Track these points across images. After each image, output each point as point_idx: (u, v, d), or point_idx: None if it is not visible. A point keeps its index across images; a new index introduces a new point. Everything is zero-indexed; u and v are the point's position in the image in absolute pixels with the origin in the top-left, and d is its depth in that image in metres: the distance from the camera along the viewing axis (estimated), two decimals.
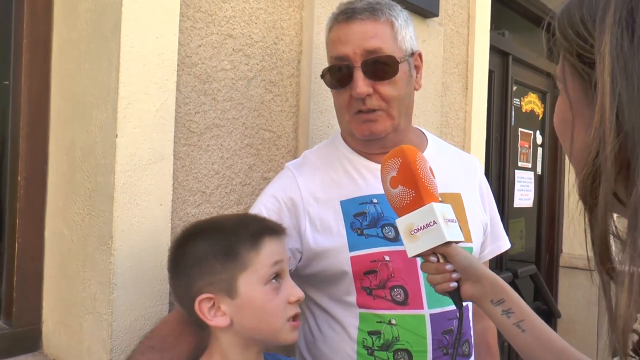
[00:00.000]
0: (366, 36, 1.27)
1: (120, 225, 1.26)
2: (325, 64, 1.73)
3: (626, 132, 0.54)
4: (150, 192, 1.31)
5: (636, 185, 0.54)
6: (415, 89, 1.38)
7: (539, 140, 3.98)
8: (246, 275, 1.10)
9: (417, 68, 1.37)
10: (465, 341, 1.32)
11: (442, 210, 1.02)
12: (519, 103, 3.71)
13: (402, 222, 1.05)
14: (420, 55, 1.37)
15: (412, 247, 1.03)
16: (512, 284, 3.53)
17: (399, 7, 1.36)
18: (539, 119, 4.00)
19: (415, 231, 1.02)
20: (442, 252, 1.03)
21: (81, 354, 1.35)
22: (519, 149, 3.71)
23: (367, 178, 1.34)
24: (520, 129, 3.70)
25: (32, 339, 1.47)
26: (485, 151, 2.75)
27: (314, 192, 1.33)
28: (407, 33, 1.33)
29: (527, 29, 3.96)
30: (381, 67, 1.27)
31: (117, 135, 1.24)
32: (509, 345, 3.46)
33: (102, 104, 1.29)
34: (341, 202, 1.31)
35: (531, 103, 3.86)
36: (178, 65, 1.37)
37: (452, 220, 1.04)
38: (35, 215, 1.47)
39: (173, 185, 1.37)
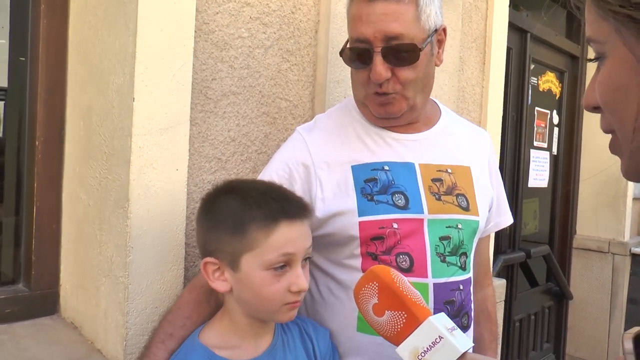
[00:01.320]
0: (388, 19, 1.21)
1: (136, 188, 1.26)
2: (343, 35, 1.72)
3: None
4: (166, 157, 1.32)
5: None
6: (436, 65, 1.34)
7: (556, 120, 3.93)
8: (250, 255, 1.09)
9: (440, 42, 1.33)
10: (465, 313, 1.32)
11: (442, 322, 0.95)
12: (536, 82, 3.66)
13: (404, 350, 0.95)
14: (444, 29, 1.33)
15: None
16: (525, 263, 3.53)
17: None
18: (556, 98, 3.95)
19: (423, 354, 0.92)
20: None
21: (97, 316, 1.37)
22: (535, 128, 3.67)
23: (380, 144, 1.33)
24: (537, 108, 3.66)
25: (50, 302, 1.50)
26: (502, 129, 2.72)
27: (324, 157, 1.32)
28: (433, 9, 1.27)
29: (547, 7, 3.89)
30: (401, 53, 1.23)
31: (134, 99, 1.25)
32: (520, 325, 3.46)
33: (119, 69, 1.30)
34: (352, 167, 1.30)
35: (549, 82, 3.81)
36: (195, 31, 1.37)
37: (454, 328, 0.96)
38: (52, 180, 1.49)
39: (189, 150, 1.38)
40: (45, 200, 1.48)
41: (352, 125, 1.37)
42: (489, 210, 1.44)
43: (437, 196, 1.30)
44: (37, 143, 1.45)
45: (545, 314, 3.90)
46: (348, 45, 1.30)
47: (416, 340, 0.93)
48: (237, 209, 1.10)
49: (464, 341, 0.94)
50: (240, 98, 1.53)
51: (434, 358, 0.92)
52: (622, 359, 0.65)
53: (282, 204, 1.12)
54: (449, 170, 1.34)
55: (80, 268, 1.45)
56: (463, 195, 1.33)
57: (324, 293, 1.33)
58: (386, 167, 1.30)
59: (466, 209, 1.32)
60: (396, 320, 0.96)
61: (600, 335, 4.14)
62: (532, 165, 3.62)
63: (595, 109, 0.65)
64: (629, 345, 0.63)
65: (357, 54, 1.26)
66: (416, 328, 0.94)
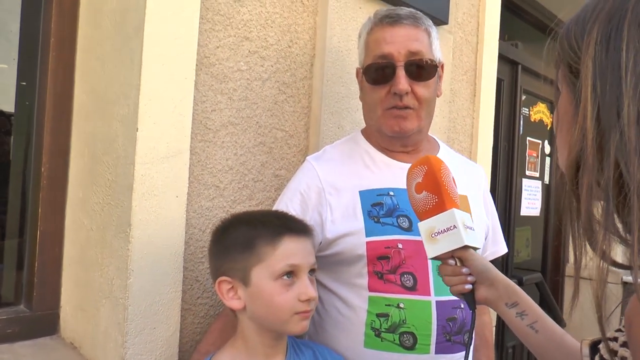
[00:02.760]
0: (410, 39, 1.39)
1: (138, 214, 1.32)
2: (337, 68, 1.80)
3: (602, 129, 0.62)
4: (167, 184, 1.38)
5: (608, 170, 0.61)
6: (438, 96, 1.49)
7: (547, 149, 4.01)
8: (259, 268, 1.18)
9: (440, 77, 1.49)
10: (466, 331, 1.38)
11: (462, 217, 1.08)
12: (527, 112, 3.76)
13: (424, 226, 1.10)
14: (442, 66, 1.49)
15: (432, 248, 1.08)
16: None
17: (430, 20, 1.48)
18: (548, 128, 4.03)
19: (436, 234, 1.07)
20: (460, 256, 1.07)
21: (97, 336, 1.42)
22: (527, 158, 3.75)
23: (385, 172, 1.44)
24: (528, 138, 3.75)
25: (50, 323, 1.54)
26: (493, 158, 2.79)
27: (333, 183, 1.42)
28: (437, 44, 1.46)
29: (538, 39, 4.00)
30: (421, 68, 1.39)
31: (137, 129, 1.31)
32: (513, 352, 3.49)
33: (123, 100, 1.37)
34: (360, 192, 1.40)
35: (540, 113, 3.90)
36: (196, 65, 1.44)
37: (470, 228, 1.09)
38: (56, 205, 1.55)
39: (189, 178, 1.44)
40: (48, 224, 1.53)
41: (359, 154, 1.48)
42: (485, 239, 1.51)
43: None
44: (42, 169, 1.52)
45: None
46: (368, 64, 1.43)
47: (436, 222, 1.08)
48: (245, 231, 1.22)
49: (474, 239, 1.09)
50: (239, 128, 1.60)
51: (442, 240, 1.07)
52: None
53: (285, 222, 1.25)
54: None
55: (80, 290, 1.50)
56: None
57: (331, 312, 1.40)
58: (391, 193, 1.40)
59: None
60: (428, 200, 1.10)
61: None
62: (524, 194, 3.69)
63: None
64: (586, 350, 0.71)
65: (380, 70, 1.39)
66: (440, 213, 1.08)
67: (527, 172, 3.75)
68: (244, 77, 1.60)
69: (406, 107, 1.38)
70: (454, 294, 1.11)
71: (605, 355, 0.70)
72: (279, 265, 1.17)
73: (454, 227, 1.06)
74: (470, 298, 1.09)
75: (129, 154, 1.33)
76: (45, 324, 1.54)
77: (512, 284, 1.08)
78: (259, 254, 1.18)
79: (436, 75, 1.44)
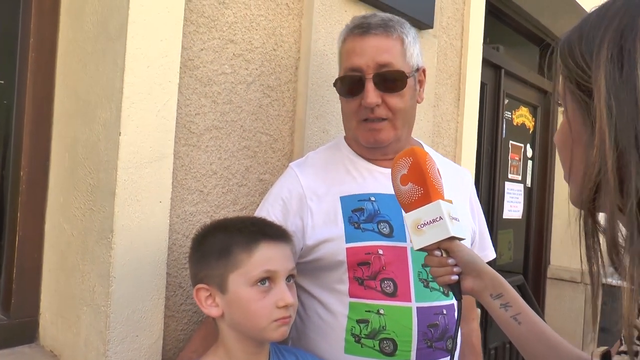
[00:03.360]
0: (379, 50, 1.36)
1: (120, 220, 1.30)
2: (322, 72, 1.79)
3: (621, 152, 0.62)
4: (150, 190, 1.35)
5: (630, 197, 0.61)
6: (418, 102, 1.47)
7: (529, 153, 4.05)
8: (236, 274, 1.17)
9: (421, 83, 1.47)
10: (449, 337, 1.37)
11: (447, 208, 1.08)
12: (510, 116, 3.78)
13: (409, 217, 1.10)
14: (424, 70, 1.47)
15: (418, 240, 1.09)
16: None
17: (408, 24, 1.45)
18: (530, 132, 4.07)
19: (422, 226, 1.08)
20: (446, 247, 1.08)
21: (78, 344, 1.39)
22: (510, 161, 3.77)
23: (367, 178, 1.43)
24: (511, 142, 3.77)
25: (29, 331, 1.51)
26: (476, 162, 2.80)
27: (315, 189, 1.41)
28: (415, 50, 1.42)
29: (520, 44, 4.04)
30: (391, 80, 1.36)
31: (120, 133, 1.29)
32: (495, 353, 3.50)
33: (106, 103, 1.34)
34: (341, 197, 1.39)
35: (522, 116, 3.94)
36: (180, 67, 1.42)
37: (456, 219, 1.10)
38: (36, 210, 1.51)
39: (172, 183, 1.42)
40: (28, 229, 1.50)
41: (341, 160, 1.47)
42: (472, 244, 1.50)
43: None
44: (21, 173, 1.48)
45: None
46: (339, 77, 1.42)
47: (422, 213, 1.08)
48: (222, 238, 1.21)
49: (460, 230, 1.09)
50: (223, 132, 1.58)
51: (428, 231, 1.07)
52: None
53: (261, 228, 1.23)
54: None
55: (61, 297, 1.46)
56: None
57: (312, 317, 1.39)
58: (372, 198, 1.39)
59: None
60: (414, 192, 1.10)
61: None
62: (506, 197, 3.71)
63: None
64: None
65: (350, 83, 1.38)
66: (426, 204, 1.08)
67: (510, 176, 3.78)
68: (228, 80, 1.58)
69: (380, 119, 1.37)
70: (440, 285, 1.12)
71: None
72: (256, 271, 1.16)
73: (440, 218, 1.06)
74: (456, 289, 1.10)
75: (111, 159, 1.31)
76: (23, 331, 1.50)
77: (497, 275, 1.09)
78: (235, 261, 1.17)
79: (412, 83, 1.41)
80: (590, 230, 0.71)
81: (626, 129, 0.61)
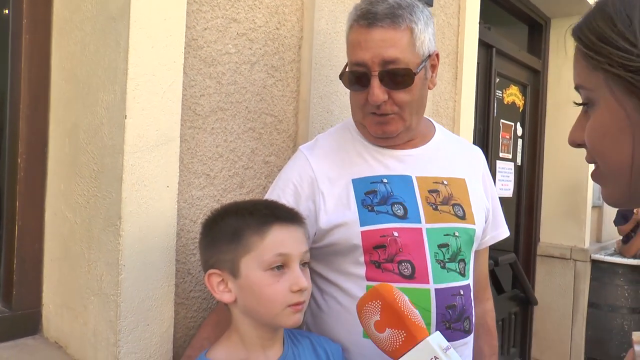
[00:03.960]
0: (385, 44, 1.27)
1: (128, 206, 1.25)
2: (326, 51, 1.75)
3: None
4: (157, 174, 1.31)
5: None
6: (429, 88, 1.40)
7: (519, 131, 4.06)
8: (248, 258, 1.13)
9: (434, 67, 1.38)
10: (466, 317, 1.36)
11: (438, 342, 1.01)
12: (501, 95, 3.78)
13: None
14: (437, 55, 1.38)
15: None
16: (492, 271, 3.61)
17: (420, 6, 1.34)
18: (520, 111, 4.07)
19: None
20: None
21: (86, 335, 1.35)
22: (501, 140, 3.78)
23: (379, 160, 1.39)
24: (502, 120, 3.77)
25: (32, 322, 1.47)
26: (472, 141, 2.80)
27: (326, 172, 1.37)
28: (427, 35, 1.32)
29: (510, 23, 4.03)
30: (397, 77, 1.28)
31: (126, 116, 1.24)
32: (502, 325, 3.54)
33: (108, 85, 1.29)
34: (353, 180, 1.36)
35: (512, 95, 3.93)
36: (184, 47, 1.37)
37: (448, 348, 1.02)
38: (35, 198, 1.46)
39: (179, 167, 1.37)
40: (27, 218, 1.45)
41: (352, 143, 1.42)
42: (485, 222, 1.48)
43: (434, 206, 1.35)
44: (19, 161, 1.43)
45: (512, 319, 4.00)
46: (347, 69, 1.34)
47: (413, 357, 1.00)
48: (233, 222, 1.16)
49: (456, 358, 1.01)
50: (228, 114, 1.53)
51: None
52: (631, 358, 0.71)
53: (273, 210, 1.19)
54: (445, 182, 1.40)
55: (65, 287, 1.42)
56: (459, 205, 1.38)
57: (329, 302, 1.37)
58: (385, 180, 1.35)
59: (462, 218, 1.37)
60: (396, 337, 1.02)
61: (563, 338, 4.27)
62: (498, 175, 3.72)
63: (579, 145, 0.75)
64: (639, 348, 0.69)
65: (356, 77, 1.31)
66: (414, 347, 1.00)
67: (501, 154, 3.78)
68: (232, 60, 1.53)
69: (386, 114, 1.32)
70: None
71: None
72: (268, 254, 1.12)
73: (435, 358, 0.99)
74: None
75: (116, 143, 1.26)
76: (26, 323, 1.46)
77: None
78: (247, 244, 1.13)
79: (422, 74, 1.33)
80: None
81: None
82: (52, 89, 1.46)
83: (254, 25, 1.59)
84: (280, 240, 1.14)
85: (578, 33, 0.72)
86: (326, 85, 1.76)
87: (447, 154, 1.46)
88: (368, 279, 1.31)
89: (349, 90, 1.39)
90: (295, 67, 1.74)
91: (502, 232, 1.57)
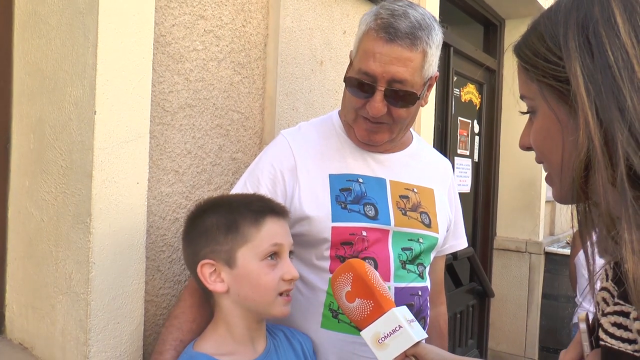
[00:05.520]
0: (398, 63, 1.27)
1: (98, 203, 1.24)
2: (291, 49, 1.76)
3: (606, 127, 0.66)
4: (127, 171, 1.30)
5: (619, 166, 0.64)
6: (421, 105, 1.42)
7: (477, 129, 4.17)
8: (245, 249, 1.17)
9: (429, 87, 1.41)
10: (422, 318, 1.42)
11: (403, 314, 1.06)
12: (458, 93, 3.87)
13: (367, 333, 1.07)
14: (436, 77, 1.41)
15: (384, 355, 1.05)
16: (450, 265, 3.70)
17: (436, 28, 1.33)
18: (477, 109, 4.18)
19: (383, 339, 1.05)
20: (413, 353, 1.06)
21: (53, 335, 1.33)
22: (458, 137, 3.87)
23: (357, 159, 1.42)
24: (459, 118, 3.87)
25: None
26: (432, 138, 2.86)
27: (306, 162, 1.39)
28: (435, 59, 1.34)
29: (466, 23, 4.13)
30: (400, 97, 1.30)
31: (95, 112, 1.23)
32: (460, 317, 3.61)
33: (77, 80, 1.27)
34: (330, 175, 1.38)
35: (469, 93, 4.03)
36: (153, 44, 1.36)
37: (412, 320, 1.08)
38: None
39: (148, 164, 1.37)
40: None
41: (334, 138, 1.45)
42: (447, 231, 1.53)
43: (403, 211, 1.40)
44: None
45: (470, 312, 4.11)
46: (354, 75, 1.34)
47: (379, 326, 1.06)
48: (227, 214, 1.21)
49: (420, 332, 1.08)
50: (196, 110, 1.53)
51: (391, 343, 1.05)
52: (578, 338, 0.78)
53: (267, 203, 1.25)
54: (415, 190, 1.45)
55: (30, 286, 1.39)
56: (426, 213, 1.44)
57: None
58: (360, 180, 1.39)
59: (428, 226, 1.43)
60: (364, 307, 1.08)
61: (518, 329, 4.42)
62: (456, 172, 3.81)
63: (528, 148, 0.84)
64: (583, 325, 0.76)
65: (361, 84, 1.32)
66: (380, 316, 1.07)
67: (459, 151, 3.88)
68: (200, 57, 1.53)
69: (379, 123, 1.35)
70: None
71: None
72: (264, 245, 1.18)
73: (400, 327, 1.04)
74: None
75: (85, 139, 1.24)
76: None
77: None
78: (244, 235, 1.17)
79: (419, 96, 1.35)
80: (584, 214, 0.74)
81: (607, 105, 0.66)
82: (14, 83, 1.43)
83: (221, 23, 1.59)
84: (274, 231, 1.20)
85: (517, 50, 0.80)
86: (292, 82, 1.78)
87: (421, 163, 1.51)
88: (332, 271, 1.33)
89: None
90: (262, 64, 1.75)
91: (461, 242, 1.63)
